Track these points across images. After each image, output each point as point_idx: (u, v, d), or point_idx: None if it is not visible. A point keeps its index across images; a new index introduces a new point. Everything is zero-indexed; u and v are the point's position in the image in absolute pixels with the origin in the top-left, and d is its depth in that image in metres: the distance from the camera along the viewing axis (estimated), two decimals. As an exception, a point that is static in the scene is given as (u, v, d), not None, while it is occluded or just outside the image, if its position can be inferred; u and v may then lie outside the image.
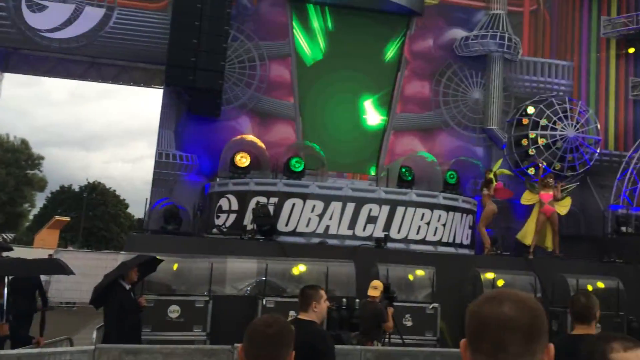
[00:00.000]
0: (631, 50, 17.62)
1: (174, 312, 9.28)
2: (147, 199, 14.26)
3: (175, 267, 10.12)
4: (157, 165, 14.83)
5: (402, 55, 16.73)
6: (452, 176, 14.76)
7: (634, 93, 17.87)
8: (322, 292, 4.83)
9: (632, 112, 17.87)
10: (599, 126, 16.61)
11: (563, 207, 14.26)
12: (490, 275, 11.92)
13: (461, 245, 13.84)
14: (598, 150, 16.43)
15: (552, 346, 1.45)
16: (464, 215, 13.97)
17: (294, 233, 12.61)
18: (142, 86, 17.48)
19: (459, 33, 16.75)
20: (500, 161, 15.25)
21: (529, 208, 14.51)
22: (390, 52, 16.80)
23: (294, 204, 12.74)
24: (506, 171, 15.01)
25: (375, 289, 8.27)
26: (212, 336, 9.42)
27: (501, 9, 16.66)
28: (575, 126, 16.01)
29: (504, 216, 15.36)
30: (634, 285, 12.41)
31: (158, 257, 8.34)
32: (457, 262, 12.78)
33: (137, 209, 50.60)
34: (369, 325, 8.23)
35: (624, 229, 15.12)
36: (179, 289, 10.05)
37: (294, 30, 16.32)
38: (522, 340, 1.39)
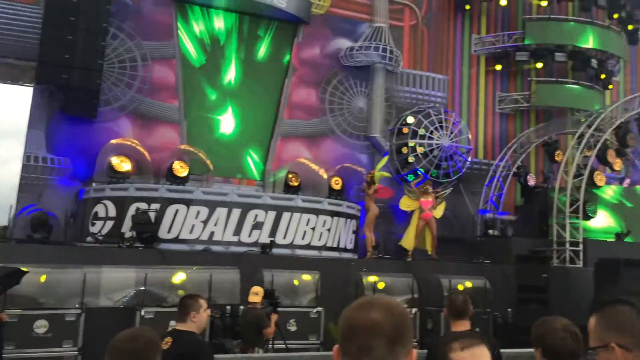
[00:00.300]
0: (498, 67, 19.13)
1: (40, 327, 8.63)
2: (11, 206, 13.11)
3: (42, 278, 9.40)
4: (25, 168, 13.67)
5: (290, 62, 16.88)
6: (337, 182, 15.14)
7: (501, 107, 19.43)
8: (202, 302, 4.73)
9: (499, 124, 19.41)
10: (470, 136, 17.83)
11: (438, 212, 15.14)
12: (371, 278, 12.35)
13: (345, 250, 14.19)
14: (469, 159, 17.63)
15: (415, 352, 1.52)
16: (348, 220, 14.35)
17: (177, 240, 12.22)
18: (9, 83, 16.06)
19: (344, 43, 17.23)
20: (384, 159, 15.74)
21: (410, 213, 15.24)
22: (277, 59, 16.87)
23: (177, 210, 12.35)
24: (386, 174, 15.56)
25: (255, 294, 8.25)
26: (85, 352, 8.86)
27: (384, 22, 17.38)
28: (449, 136, 17.06)
29: (386, 221, 15.97)
30: (499, 284, 13.46)
31: (23, 269, 7.70)
32: (341, 266, 13.10)
33: (0, 217, 46.29)
34: (249, 332, 8.18)
35: (490, 232, 16.35)
36: (47, 302, 9.34)
37: (179, 32, 15.86)
38: (387, 344, 1.44)
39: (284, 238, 13.05)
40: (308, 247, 13.36)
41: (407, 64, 18.05)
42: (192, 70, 15.96)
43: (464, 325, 4.16)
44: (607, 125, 16.24)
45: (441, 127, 17.00)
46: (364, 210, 14.84)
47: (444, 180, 16.97)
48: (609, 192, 17.16)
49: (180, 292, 9.75)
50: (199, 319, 4.60)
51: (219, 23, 16.31)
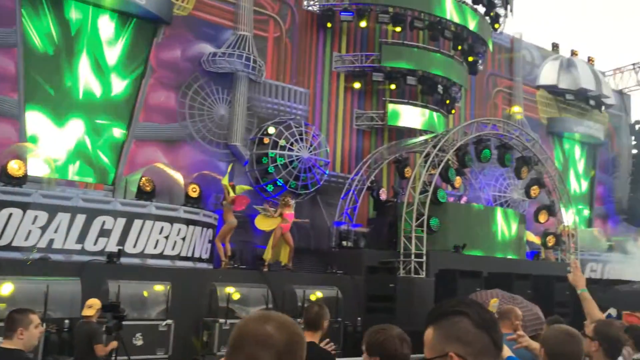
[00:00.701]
0: (357, 85, 20.00)
1: None
2: None
3: None
4: None
5: (148, 62, 16.12)
6: (194, 190, 14.66)
7: (357, 123, 20.30)
8: (33, 317, 4.27)
9: (356, 140, 20.25)
10: (328, 150, 18.36)
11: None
12: (226, 289, 12.09)
13: (200, 260, 13.78)
14: (327, 172, 18.12)
15: None
16: (204, 229, 13.96)
17: (9, 247, 10.97)
18: None
19: (206, 48, 16.86)
20: (230, 166, 15.52)
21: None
22: (134, 58, 16.02)
23: (11, 214, 11.10)
24: (246, 187, 15.51)
25: (90, 307, 7.72)
26: None
27: (248, 31, 17.32)
28: (309, 148, 17.40)
29: (244, 230, 15.82)
30: (350, 294, 13.93)
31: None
32: (195, 276, 12.69)
33: None
34: (81, 347, 7.59)
35: (344, 243, 16.90)
36: None
37: (23, 19, 14.42)
38: (274, 357, 1.49)
39: (134, 247, 12.33)
40: (160, 256, 12.76)
41: (270, 74, 18.15)
42: (37, 62, 14.57)
43: (311, 338, 4.09)
44: (450, 147, 17.63)
45: (301, 139, 17.29)
46: (222, 220, 14.57)
47: (302, 192, 17.24)
48: (450, 208, 18.61)
49: (2, 306, 8.76)
50: (28, 336, 4.13)
51: (72, 14, 15.11)
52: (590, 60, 29.85)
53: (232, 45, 16.95)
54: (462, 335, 1.64)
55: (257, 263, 14.50)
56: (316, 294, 12.99)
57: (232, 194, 14.42)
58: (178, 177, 14.82)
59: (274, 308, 12.24)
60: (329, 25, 19.35)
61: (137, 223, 12.41)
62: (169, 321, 10.95)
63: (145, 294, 11.18)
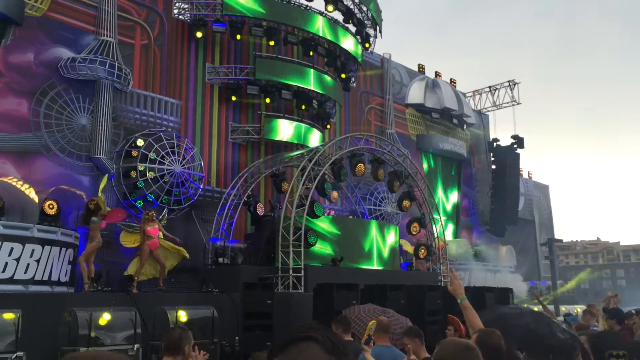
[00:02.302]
0: (233, 98, 19.54)
1: None
2: None
3: None
4: None
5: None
6: (51, 206, 13.24)
7: (233, 137, 19.80)
8: None
9: (232, 154, 19.72)
10: (202, 164, 17.65)
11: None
12: (87, 314, 10.92)
13: (59, 283, 12.42)
14: (201, 186, 17.37)
15: None
16: (63, 249, 12.62)
17: None
18: None
19: (64, 53, 15.52)
20: (105, 178, 14.18)
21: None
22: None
23: None
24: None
25: None
26: None
27: (112, 36, 16.23)
28: (181, 162, 16.58)
29: (110, 250, 14.60)
30: (227, 312, 13.28)
31: None
32: (52, 301, 11.37)
33: None
34: None
35: (221, 259, 16.23)
36: None
37: None
38: None
39: (-23, 271, 10.80)
40: (10, 281, 11.30)
41: (137, 84, 17.13)
42: None
43: None
44: (325, 161, 17.73)
45: (173, 152, 16.45)
46: (85, 239, 13.26)
47: (175, 207, 16.33)
48: (327, 222, 18.69)
49: None
50: None
51: None
52: (452, 81, 32.03)
53: (94, 50, 15.77)
54: None
55: (125, 285, 13.37)
56: (179, 315, 12.06)
57: (105, 208, 13.10)
58: (31, 192, 13.32)
59: (142, 332, 11.28)
60: (199, 35, 18.76)
61: (-19, 244, 10.89)
62: (20, 353, 9.64)
63: (-11, 324, 9.74)
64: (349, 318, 6.63)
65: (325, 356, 1.46)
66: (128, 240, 13.93)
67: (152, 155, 16.07)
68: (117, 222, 13.93)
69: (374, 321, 5.38)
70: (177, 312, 11.95)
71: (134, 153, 16.03)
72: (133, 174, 15.86)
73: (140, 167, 15.89)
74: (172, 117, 17.91)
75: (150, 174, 15.97)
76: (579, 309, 24.54)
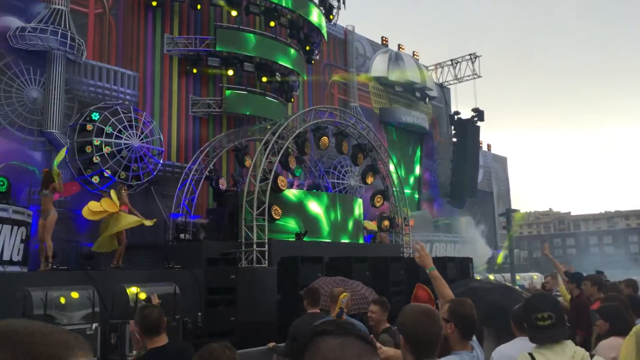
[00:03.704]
0: (194, 70, 18.96)
1: None
2: None
3: None
4: None
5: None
6: (1, 183, 12.66)
7: (194, 110, 19.30)
8: None
9: (192, 128, 19.24)
10: (162, 138, 17.17)
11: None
12: (42, 293, 10.56)
13: (11, 262, 11.95)
14: (161, 161, 16.93)
15: None
16: (15, 227, 12.12)
17: None
18: None
19: (13, 22, 14.71)
20: (62, 151, 13.41)
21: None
22: None
23: None
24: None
25: None
26: None
27: (63, 5, 15.44)
28: (140, 136, 16.09)
29: (65, 227, 14.11)
30: (189, 289, 13.08)
31: None
32: (4, 282, 10.93)
33: None
34: None
35: (182, 235, 15.94)
36: None
37: None
38: None
39: None
40: (-42, 262, 10.80)
41: (92, 54, 16.42)
42: None
43: (163, 340, 3.83)
44: (289, 134, 17.50)
45: (131, 126, 15.93)
46: (38, 215, 12.73)
47: (134, 183, 15.89)
48: (291, 195, 18.55)
49: None
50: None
51: None
52: (414, 54, 31.98)
53: (44, 19, 14.97)
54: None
55: (82, 263, 12.97)
56: (152, 292, 11.86)
57: (56, 182, 12.46)
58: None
59: (101, 311, 11.00)
60: (154, 3, 18.04)
61: None
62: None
63: None
64: (320, 290, 6.55)
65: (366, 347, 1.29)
66: (94, 213, 13.32)
67: (108, 129, 15.51)
68: (69, 195, 13.36)
69: (345, 294, 5.30)
70: (137, 290, 11.71)
71: (89, 127, 15.44)
72: (88, 149, 15.30)
73: (96, 141, 15.33)
74: (129, 89, 17.29)
75: (106, 149, 15.44)
76: (535, 276, 25.34)
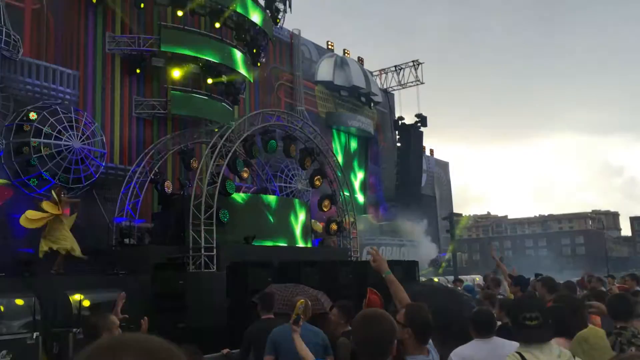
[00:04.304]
0: (137, 70, 18.40)
1: None
2: None
3: None
4: None
5: None
6: None
7: (137, 111, 18.73)
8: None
9: (136, 129, 18.65)
10: (104, 139, 16.56)
11: (70, 221, 13.33)
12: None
13: None
14: (104, 164, 16.32)
15: None
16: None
17: None
18: None
19: (-58, 15, 13.84)
20: None
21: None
22: None
23: None
24: (2, 180, 13.01)
25: None
26: None
27: (-2, -2, 14.67)
28: (81, 137, 15.45)
29: (1, 232, 13.34)
30: (136, 295, 12.59)
31: None
32: None
33: None
34: None
35: (127, 240, 15.39)
36: None
37: None
38: None
39: None
40: None
41: (28, 52, 15.65)
42: None
43: None
44: (237, 137, 17.26)
45: (71, 127, 15.26)
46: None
47: (74, 186, 15.22)
48: (239, 199, 18.29)
49: None
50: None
51: None
52: (360, 60, 32.37)
53: (-23, 13, 14.17)
54: None
55: (22, 269, 12.27)
56: (95, 299, 11.39)
57: None
58: None
59: (42, 319, 10.44)
60: (94, 0, 17.40)
61: None
62: None
63: None
64: (275, 296, 6.44)
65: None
66: (33, 221, 12.58)
67: (47, 130, 14.79)
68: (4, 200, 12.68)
69: (302, 300, 5.24)
70: (81, 297, 11.19)
71: (26, 127, 14.68)
72: (26, 150, 14.55)
73: (34, 142, 14.60)
74: (68, 89, 16.57)
75: (45, 150, 14.72)
76: (477, 278, 26.07)
